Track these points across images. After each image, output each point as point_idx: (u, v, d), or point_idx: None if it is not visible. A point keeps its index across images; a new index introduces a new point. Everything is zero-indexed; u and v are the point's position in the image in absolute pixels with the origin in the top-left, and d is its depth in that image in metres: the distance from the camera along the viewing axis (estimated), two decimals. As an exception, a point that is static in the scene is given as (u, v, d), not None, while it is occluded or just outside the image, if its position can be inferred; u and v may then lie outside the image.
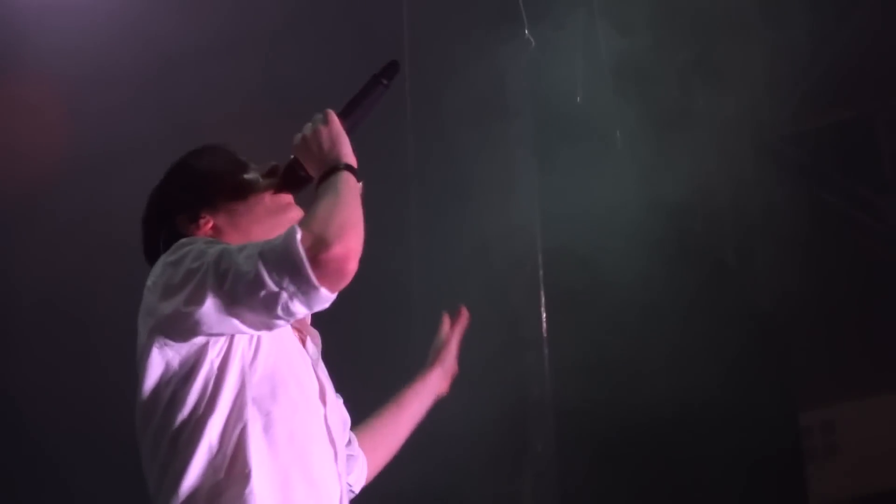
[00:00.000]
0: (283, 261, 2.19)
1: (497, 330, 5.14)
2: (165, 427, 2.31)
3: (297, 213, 2.54)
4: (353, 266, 2.23)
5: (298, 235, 2.20)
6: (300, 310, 2.24)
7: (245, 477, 2.26)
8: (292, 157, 2.52)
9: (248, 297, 2.22)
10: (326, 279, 2.20)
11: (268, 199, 2.55)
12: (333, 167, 2.38)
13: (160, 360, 2.33)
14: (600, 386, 5.00)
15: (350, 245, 2.23)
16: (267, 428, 2.31)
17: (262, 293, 2.21)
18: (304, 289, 2.20)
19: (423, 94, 5.15)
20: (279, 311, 2.23)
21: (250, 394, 2.32)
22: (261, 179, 2.58)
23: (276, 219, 2.53)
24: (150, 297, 2.36)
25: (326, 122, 2.46)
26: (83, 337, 5.10)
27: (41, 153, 5.29)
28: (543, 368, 5.22)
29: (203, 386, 2.31)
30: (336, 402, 2.56)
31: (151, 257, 2.53)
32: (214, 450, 2.28)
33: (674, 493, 5.26)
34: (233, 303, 2.24)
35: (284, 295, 2.20)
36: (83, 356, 5.13)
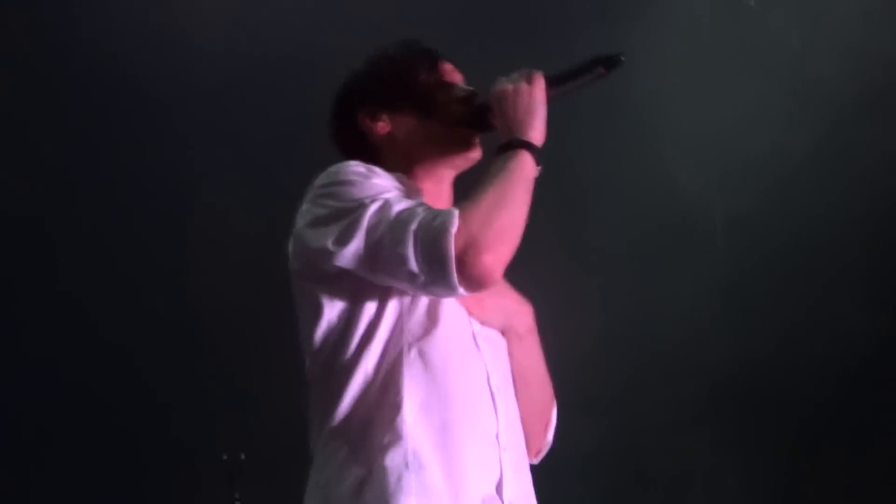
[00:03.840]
0: (431, 252, 2.17)
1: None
2: (326, 358, 2.34)
3: (476, 153, 2.50)
4: (498, 277, 2.23)
5: (453, 229, 2.17)
6: (436, 294, 2.28)
7: (396, 406, 2.28)
8: (487, 100, 2.43)
9: (389, 265, 2.23)
10: (467, 283, 2.20)
11: (450, 125, 2.49)
12: (518, 141, 2.32)
13: (315, 291, 2.34)
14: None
15: (502, 255, 2.21)
16: (421, 361, 2.30)
17: (403, 269, 2.21)
18: (443, 284, 2.20)
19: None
20: (415, 288, 2.27)
21: (407, 327, 2.31)
22: (454, 102, 2.50)
23: (451, 149, 2.49)
24: (300, 223, 2.36)
25: (531, 83, 2.38)
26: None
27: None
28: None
29: (360, 318, 2.31)
30: (494, 342, 2.47)
31: (338, 146, 2.56)
32: (369, 378, 2.30)
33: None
34: (374, 263, 2.24)
35: (423, 279, 2.21)
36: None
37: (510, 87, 2.38)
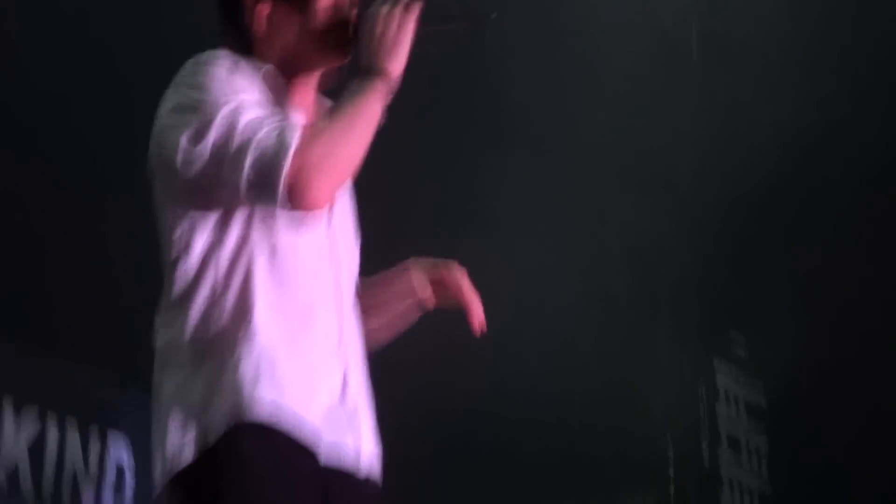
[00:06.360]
0: (263, 176, 2.21)
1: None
2: (173, 247, 2.35)
3: (345, 58, 2.46)
4: (324, 204, 2.28)
5: (289, 155, 2.20)
6: (262, 206, 2.31)
7: (248, 315, 2.29)
8: (356, 20, 2.42)
9: (225, 180, 2.26)
10: (293, 206, 2.24)
11: (321, 28, 2.44)
12: (376, 69, 2.34)
13: (165, 177, 2.34)
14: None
15: (332, 186, 2.26)
16: (271, 262, 2.33)
17: (237, 187, 2.24)
18: (270, 203, 2.25)
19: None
20: (243, 199, 2.29)
21: (258, 222, 2.33)
22: (330, 7, 2.44)
23: (320, 50, 2.46)
24: (162, 108, 2.35)
25: (406, 13, 2.38)
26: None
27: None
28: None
29: (210, 214, 2.32)
30: (345, 224, 2.52)
31: (220, 14, 2.50)
32: (220, 283, 2.32)
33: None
34: (214, 173, 2.26)
35: (252, 196, 2.26)
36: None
37: (384, 10, 2.39)
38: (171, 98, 2.35)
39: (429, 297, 2.64)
